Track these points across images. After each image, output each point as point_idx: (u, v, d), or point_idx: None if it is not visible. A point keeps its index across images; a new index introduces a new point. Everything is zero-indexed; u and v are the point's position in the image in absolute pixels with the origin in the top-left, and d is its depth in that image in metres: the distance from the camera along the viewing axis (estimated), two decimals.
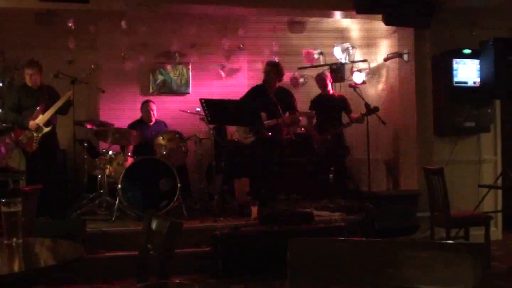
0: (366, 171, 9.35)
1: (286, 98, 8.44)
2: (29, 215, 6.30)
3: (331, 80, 10.08)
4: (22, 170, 8.20)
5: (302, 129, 10.34)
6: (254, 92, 8.55)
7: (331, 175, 9.57)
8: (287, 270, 2.38)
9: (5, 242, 3.23)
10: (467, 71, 8.88)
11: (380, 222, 7.74)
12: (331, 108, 9.73)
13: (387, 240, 2.36)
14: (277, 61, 9.12)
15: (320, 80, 9.97)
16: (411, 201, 8.26)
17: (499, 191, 9.12)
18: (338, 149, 9.63)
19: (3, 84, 9.75)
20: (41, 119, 7.99)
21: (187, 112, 9.30)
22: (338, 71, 10.65)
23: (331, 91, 9.99)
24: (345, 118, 9.87)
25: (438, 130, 8.98)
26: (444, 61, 8.89)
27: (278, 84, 8.67)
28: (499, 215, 9.19)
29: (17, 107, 8.17)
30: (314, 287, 2.42)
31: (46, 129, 8.04)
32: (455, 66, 8.84)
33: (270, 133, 8.23)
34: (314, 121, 9.84)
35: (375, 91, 10.40)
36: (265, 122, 8.15)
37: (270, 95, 8.37)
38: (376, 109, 9.08)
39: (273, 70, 8.53)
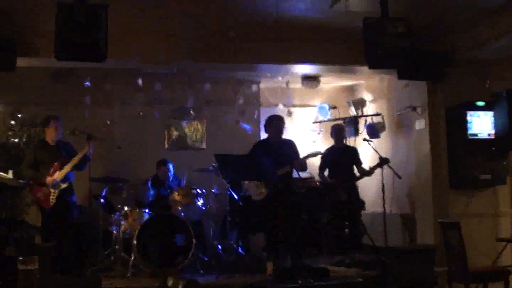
0: (381, 225, 9.30)
1: (291, 149, 8.43)
2: (44, 271, 6.30)
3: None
4: (38, 225, 8.22)
5: (317, 183, 10.34)
6: (260, 147, 8.55)
7: (346, 230, 9.53)
8: None
9: None
10: (481, 123, 8.90)
11: (396, 278, 7.64)
12: (343, 160, 9.73)
13: None
14: (279, 115, 9.09)
15: (338, 131, 9.96)
16: (428, 255, 8.15)
17: None
18: (353, 203, 9.59)
19: (20, 141, 9.85)
20: (58, 175, 8.04)
21: (202, 170, 9.35)
22: (352, 125, 10.70)
23: (344, 143, 10.00)
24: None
25: (454, 183, 8.93)
26: (458, 113, 8.92)
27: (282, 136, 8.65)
28: None
29: (34, 163, 8.23)
30: None
31: (63, 185, 8.09)
32: (469, 118, 8.87)
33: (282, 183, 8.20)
34: (326, 173, 9.82)
35: (389, 145, 10.40)
36: (277, 171, 8.13)
37: (275, 148, 8.37)
38: (386, 160, 9.09)
39: (278, 124, 8.53)
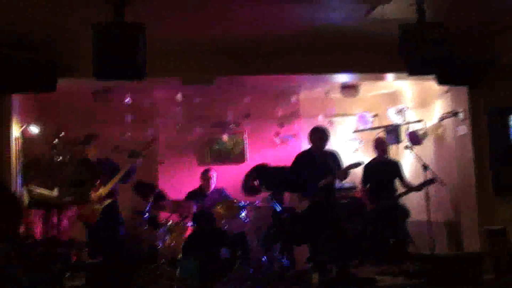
0: (426, 233, 9.20)
1: (334, 161, 8.40)
2: (91, 287, 6.37)
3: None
4: (83, 242, 8.31)
5: (360, 193, 10.29)
6: (302, 159, 8.52)
7: (391, 239, 9.47)
8: None
9: None
10: None
11: (443, 286, 7.55)
12: (385, 175, 9.69)
13: None
14: (322, 126, 9.07)
15: (381, 144, 9.93)
16: (475, 263, 8.04)
17: None
18: (397, 212, 9.52)
19: (64, 159, 9.98)
20: (102, 191, 8.14)
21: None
22: (394, 133, 10.63)
23: (386, 156, 9.95)
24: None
25: (498, 189, 8.80)
26: (500, 118, 8.80)
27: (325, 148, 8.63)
28: None
29: (78, 181, 8.35)
30: None
31: (107, 202, 8.18)
32: (511, 123, 8.75)
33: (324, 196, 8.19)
34: (367, 187, 9.78)
35: (431, 152, 10.31)
36: (319, 183, 8.11)
37: (318, 159, 8.34)
38: (432, 181, 9.05)
39: (321, 136, 8.51)
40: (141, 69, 6.52)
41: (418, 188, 9.27)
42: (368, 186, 9.81)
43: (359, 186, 10.16)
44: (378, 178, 9.67)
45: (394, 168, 9.78)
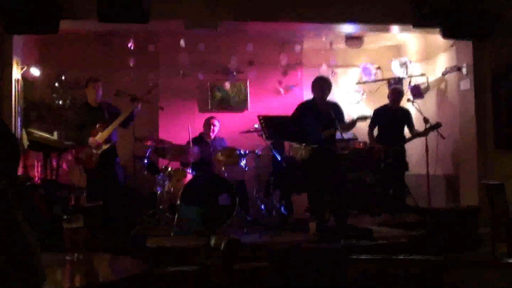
0: (425, 186, 9.23)
1: (337, 112, 8.36)
2: (90, 231, 6.40)
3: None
4: (82, 186, 8.33)
5: (361, 144, 10.28)
6: (304, 108, 8.50)
7: (391, 190, 9.50)
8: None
9: (67, 258, 3.29)
10: None
11: (440, 238, 7.60)
12: (395, 121, 9.63)
13: (447, 257, 2.32)
14: (325, 76, 9.03)
15: (398, 93, 9.82)
16: (471, 216, 8.09)
17: None
18: (399, 164, 9.52)
19: (64, 103, 9.96)
20: (100, 136, 8.11)
21: (245, 131, 9.38)
22: (396, 85, 10.58)
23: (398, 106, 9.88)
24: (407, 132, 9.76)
25: (499, 144, 8.80)
26: (504, 73, 8.74)
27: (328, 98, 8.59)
28: None
29: (78, 125, 8.33)
30: None
31: (105, 146, 8.16)
32: None
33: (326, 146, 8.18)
34: (375, 133, 9.75)
35: (433, 105, 10.28)
36: (321, 133, 8.11)
37: (320, 109, 8.31)
38: (438, 125, 8.99)
39: (323, 85, 8.47)
40: (145, 11, 6.45)
41: (425, 132, 9.21)
42: (376, 130, 9.77)
43: (360, 137, 10.15)
44: (387, 124, 9.61)
45: (404, 115, 9.70)
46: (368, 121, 9.21)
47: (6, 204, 2.23)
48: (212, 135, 9.63)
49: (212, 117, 9.79)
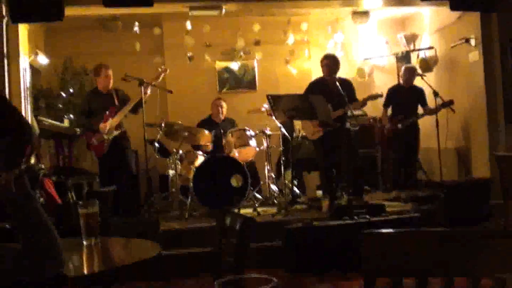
0: (436, 160, 9.22)
1: (347, 88, 8.34)
2: (104, 216, 6.43)
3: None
4: (95, 172, 8.37)
5: (371, 120, 10.27)
6: (315, 86, 8.51)
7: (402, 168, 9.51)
8: (361, 263, 2.38)
9: (84, 242, 3.32)
10: None
11: (452, 212, 7.59)
12: (408, 100, 9.58)
13: (460, 229, 2.33)
14: (332, 53, 9.02)
15: (411, 72, 9.74)
16: (483, 189, 8.06)
17: None
18: (412, 140, 9.51)
19: (73, 90, 9.98)
20: (111, 122, 8.12)
21: (255, 111, 9.37)
22: (404, 59, 10.54)
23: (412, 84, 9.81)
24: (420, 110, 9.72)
25: (509, 116, 8.76)
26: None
27: (337, 76, 8.58)
28: None
29: (88, 111, 8.34)
30: (388, 279, 2.40)
31: (116, 132, 8.17)
32: None
33: (337, 124, 8.18)
34: (389, 111, 9.73)
35: (442, 79, 10.24)
36: (332, 113, 8.12)
37: (331, 87, 8.31)
38: (451, 102, 8.94)
39: (331, 63, 8.47)
40: None
41: (437, 109, 9.17)
42: (390, 108, 9.76)
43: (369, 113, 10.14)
44: (401, 102, 9.58)
45: (418, 94, 9.64)
46: (381, 99, 9.19)
47: (25, 189, 2.26)
48: (222, 117, 9.62)
49: (219, 98, 9.79)
